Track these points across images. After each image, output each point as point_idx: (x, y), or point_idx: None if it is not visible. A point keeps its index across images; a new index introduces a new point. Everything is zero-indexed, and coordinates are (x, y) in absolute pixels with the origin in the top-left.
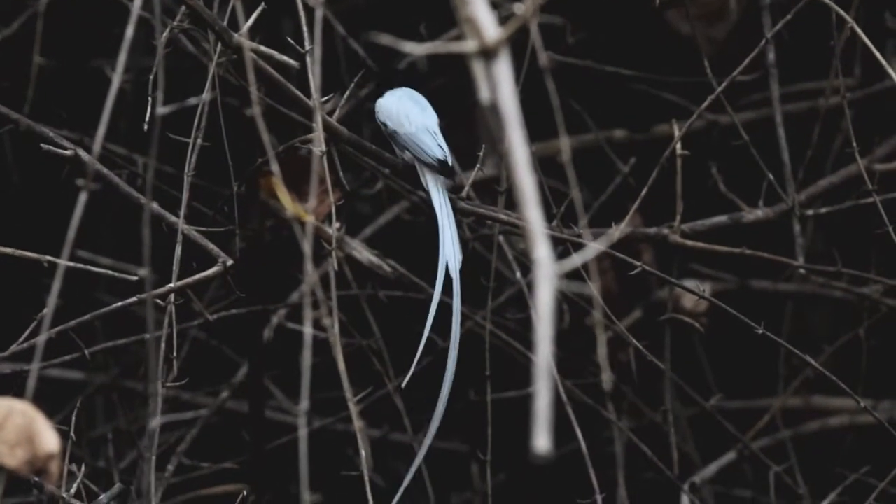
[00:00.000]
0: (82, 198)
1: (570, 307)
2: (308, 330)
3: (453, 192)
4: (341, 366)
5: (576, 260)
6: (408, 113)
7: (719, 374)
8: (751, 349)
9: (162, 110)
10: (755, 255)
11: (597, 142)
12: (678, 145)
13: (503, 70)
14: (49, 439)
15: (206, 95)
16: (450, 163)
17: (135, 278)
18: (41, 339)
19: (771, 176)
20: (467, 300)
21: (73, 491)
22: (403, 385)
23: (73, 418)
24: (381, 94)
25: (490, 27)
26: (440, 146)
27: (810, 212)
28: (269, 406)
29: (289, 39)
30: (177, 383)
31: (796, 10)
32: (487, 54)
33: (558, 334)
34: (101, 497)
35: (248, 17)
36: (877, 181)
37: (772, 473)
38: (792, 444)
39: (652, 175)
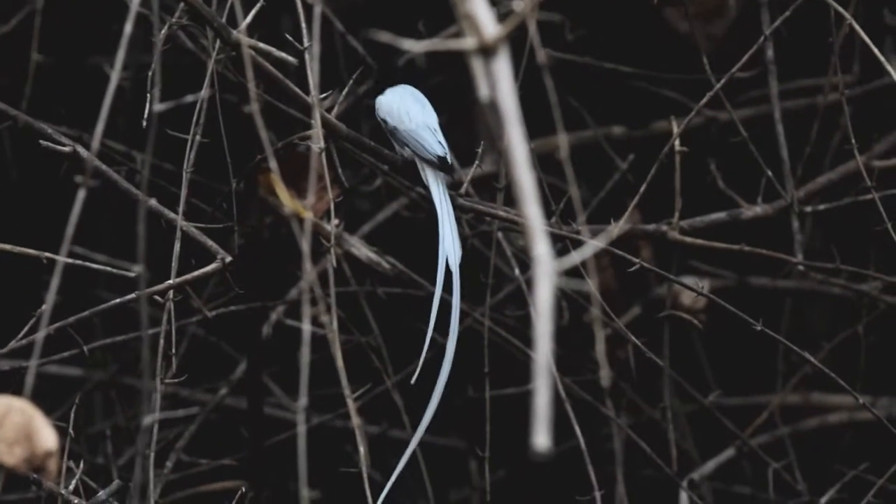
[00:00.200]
0: (81, 194)
1: (569, 304)
2: (307, 327)
3: (452, 188)
4: (340, 362)
5: (575, 257)
6: (408, 110)
7: (718, 370)
8: (749, 346)
9: (160, 107)
10: (754, 251)
11: (595, 139)
12: (677, 142)
13: (502, 67)
14: (47, 437)
15: (204, 92)
16: (449, 160)
17: (133, 275)
18: (40, 335)
19: (769, 173)
20: (466, 297)
21: (71, 487)
22: (413, 381)
23: (72, 415)
24: (380, 91)
25: (489, 24)
26: (440, 143)
27: (809, 208)
28: (268, 403)
29: (287, 36)
30: (175, 380)
31: (795, 7)
32: (486, 51)
33: (557, 331)
34: (99, 493)
35: (246, 13)
36: (875, 178)
37: (770, 470)
38: (791, 440)
39: (651, 172)
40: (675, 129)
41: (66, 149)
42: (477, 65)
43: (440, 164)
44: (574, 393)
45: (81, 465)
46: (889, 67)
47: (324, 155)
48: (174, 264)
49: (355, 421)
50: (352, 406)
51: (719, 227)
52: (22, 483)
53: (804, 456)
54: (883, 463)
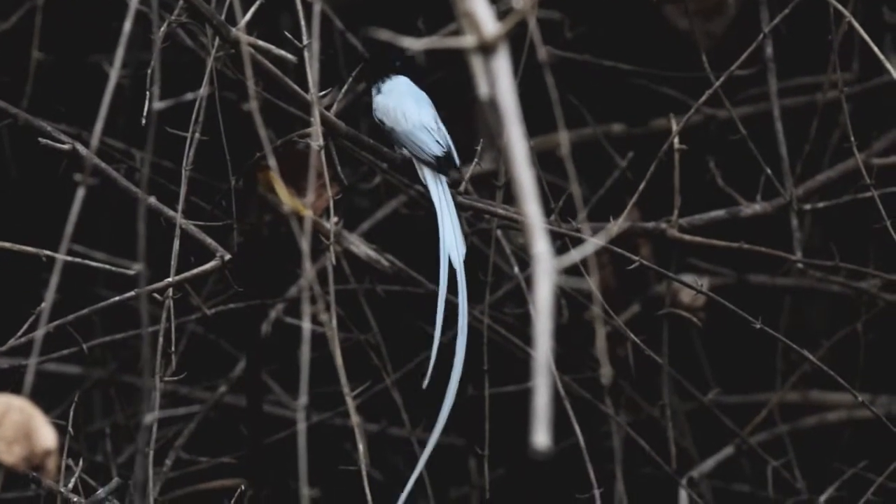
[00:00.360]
0: (80, 192)
1: (569, 302)
2: (306, 324)
3: (451, 186)
4: (339, 360)
5: (574, 255)
6: (404, 110)
7: (717, 368)
8: (748, 344)
9: (159, 105)
10: (753, 249)
11: (595, 136)
12: (676, 140)
13: (502, 65)
14: (47, 436)
15: (203, 90)
16: (453, 153)
17: (132, 273)
18: (39, 333)
19: (769, 170)
20: (466, 295)
21: (70, 485)
22: (425, 385)
23: (71, 413)
24: (376, 83)
25: (488, 22)
26: (437, 142)
27: (808, 206)
28: (268, 400)
29: (287, 34)
30: (175, 378)
31: (794, 5)
32: (486, 49)
33: (557, 329)
34: (98, 491)
35: (245, 11)
36: (874, 176)
37: (770, 468)
38: (790, 438)
39: (650, 169)
40: (675, 127)
41: (66, 147)
42: (476, 63)
43: (437, 165)
44: (573, 391)
45: (81, 463)
46: (888, 65)
47: (323, 153)
48: (173, 262)
49: (355, 419)
50: (351, 404)
51: (718, 224)
52: (21, 481)
53: (803, 454)
54: (882, 461)
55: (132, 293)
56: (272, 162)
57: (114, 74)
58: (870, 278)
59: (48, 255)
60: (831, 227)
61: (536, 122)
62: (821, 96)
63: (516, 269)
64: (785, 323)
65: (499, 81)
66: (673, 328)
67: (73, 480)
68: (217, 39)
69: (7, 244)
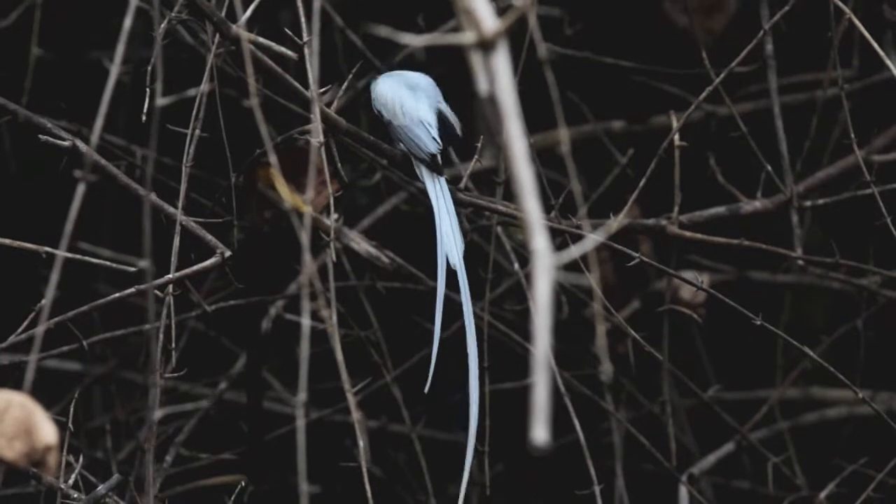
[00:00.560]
0: (80, 189)
1: (569, 298)
2: (306, 321)
3: (451, 183)
4: (339, 357)
5: (574, 251)
6: (402, 103)
7: (717, 365)
8: (749, 340)
9: (160, 101)
10: (753, 246)
11: (595, 133)
12: (676, 136)
13: (501, 62)
14: (47, 432)
15: (204, 87)
16: (459, 134)
17: (133, 269)
18: (39, 329)
19: (769, 167)
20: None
21: (71, 482)
22: (426, 390)
23: (72, 409)
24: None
25: (488, 19)
26: (434, 139)
27: (808, 203)
28: (268, 397)
29: (287, 31)
30: (175, 374)
31: (794, 2)
32: (485, 46)
33: (556, 325)
34: (99, 488)
35: (245, 8)
36: (875, 172)
37: (770, 465)
38: (790, 435)
39: (650, 166)
40: (675, 124)
41: (66, 143)
42: (476, 59)
43: (432, 164)
44: (573, 387)
45: (81, 459)
46: (888, 62)
47: (323, 149)
48: (173, 259)
49: (355, 415)
50: (351, 400)
51: (719, 221)
52: (21, 478)
53: (804, 450)
54: (882, 457)
55: (132, 290)
56: (272, 159)
57: (114, 71)
58: (870, 275)
59: (48, 251)
60: (832, 224)
61: (536, 118)
62: (821, 93)
63: (516, 266)
64: (785, 319)
65: (498, 78)
66: (673, 325)
67: (73, 477)
68: (217, 36)
69: (7, 241)
